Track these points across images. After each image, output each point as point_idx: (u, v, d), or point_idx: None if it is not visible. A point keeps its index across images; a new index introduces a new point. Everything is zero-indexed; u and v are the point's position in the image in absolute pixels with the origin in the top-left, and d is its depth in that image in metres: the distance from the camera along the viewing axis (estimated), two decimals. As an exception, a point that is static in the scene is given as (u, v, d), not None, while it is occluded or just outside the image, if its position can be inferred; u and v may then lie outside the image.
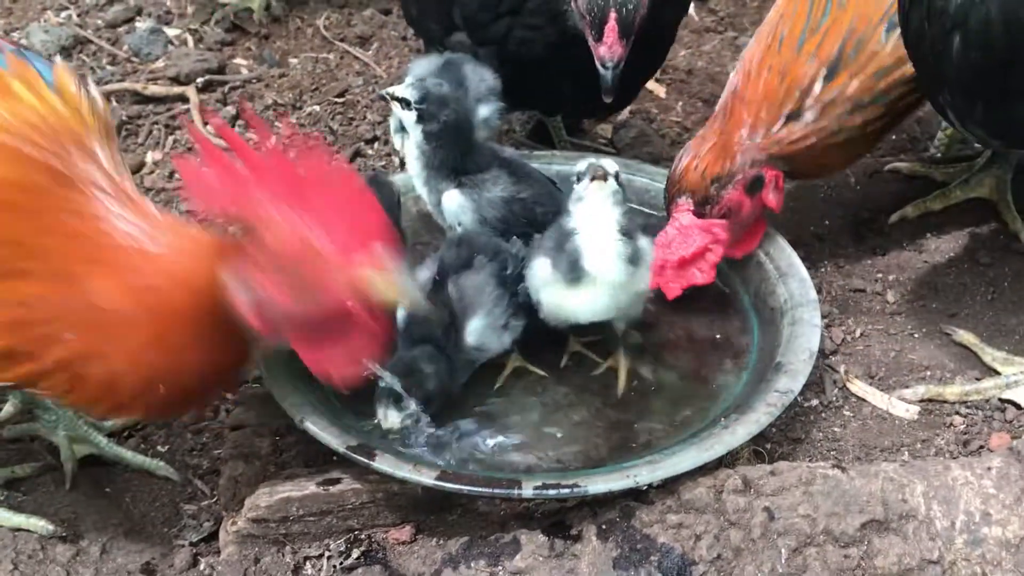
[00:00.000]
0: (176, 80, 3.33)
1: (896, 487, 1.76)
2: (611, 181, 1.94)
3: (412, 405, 1.90)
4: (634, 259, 1.97)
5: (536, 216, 2.15)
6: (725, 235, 2.18)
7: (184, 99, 3.27)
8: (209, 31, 3.62)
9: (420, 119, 2.12)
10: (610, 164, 1.97)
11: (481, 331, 1.99)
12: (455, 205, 2.12)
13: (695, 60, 3.51)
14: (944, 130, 2.88)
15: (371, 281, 1.49)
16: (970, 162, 2.63)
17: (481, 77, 2.38)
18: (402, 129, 2.30)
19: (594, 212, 1.96)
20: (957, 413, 2.10)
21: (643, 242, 2.03)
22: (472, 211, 2.13)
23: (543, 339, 2.12)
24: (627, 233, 1.96)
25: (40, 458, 2.16)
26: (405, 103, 2.11)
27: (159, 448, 2.25)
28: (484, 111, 2.38)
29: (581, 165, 1.99)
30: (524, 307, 2.04)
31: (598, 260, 1.95)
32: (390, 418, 1.91)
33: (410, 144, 2.18)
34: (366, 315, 1.53)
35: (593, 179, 1.93)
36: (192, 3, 3.80)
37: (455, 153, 2.14)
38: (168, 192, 2.96)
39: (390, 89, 2.14)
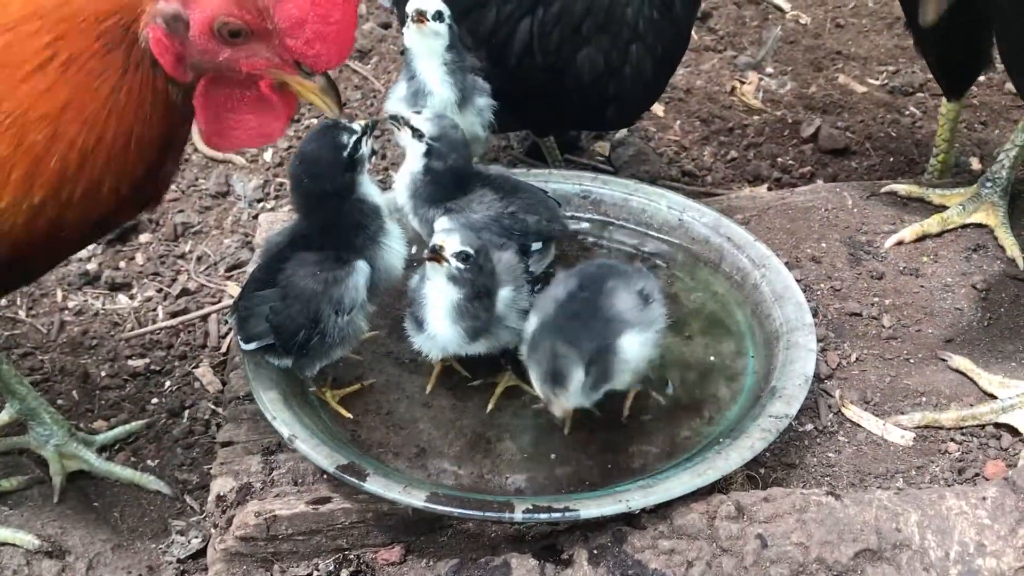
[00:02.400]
0: (174, 91, 3.33)
1: (890, 516, 1.75)
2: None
3: (469, 250, 1.89)
4: (596, 386, 1.91)
5: (529, 225, 2.14)
6: None
7: (181, 110, 3.27)
8: (208, 42, 3.62)
9: (428, 154, 2.10)
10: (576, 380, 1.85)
11: (508, 301, 1.99)
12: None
13: (693, 79, 3.51)
14: (936, 156, 2.88)
15: (300, 80, 1.59)
16: (968, 187, 2.63)
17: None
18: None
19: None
20: (952, 440, 2.09)
21: (625, 341, 1.93)
22: None
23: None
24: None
25: (28, 471, 2.15)
26: (418, 134, 2.09)
27: (149, 463, 2.24)
28: (481, 102, 2.37)
29: (542, 385, 1.87)
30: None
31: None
32: (447, 242, 1.89)
33: (402, 172, 2.16)
34: (276, 97, 1.60)
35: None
36: (192, 14, 3.80)
37: (447, 191, 2.13)
38: (163, 203, 2.95)
39: (406, 115, 2.10)
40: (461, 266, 1.90)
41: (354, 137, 1.97)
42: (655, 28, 2.43)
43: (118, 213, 1.75)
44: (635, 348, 1.94)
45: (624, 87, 2.48)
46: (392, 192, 2.23)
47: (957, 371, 2.22)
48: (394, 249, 2.06)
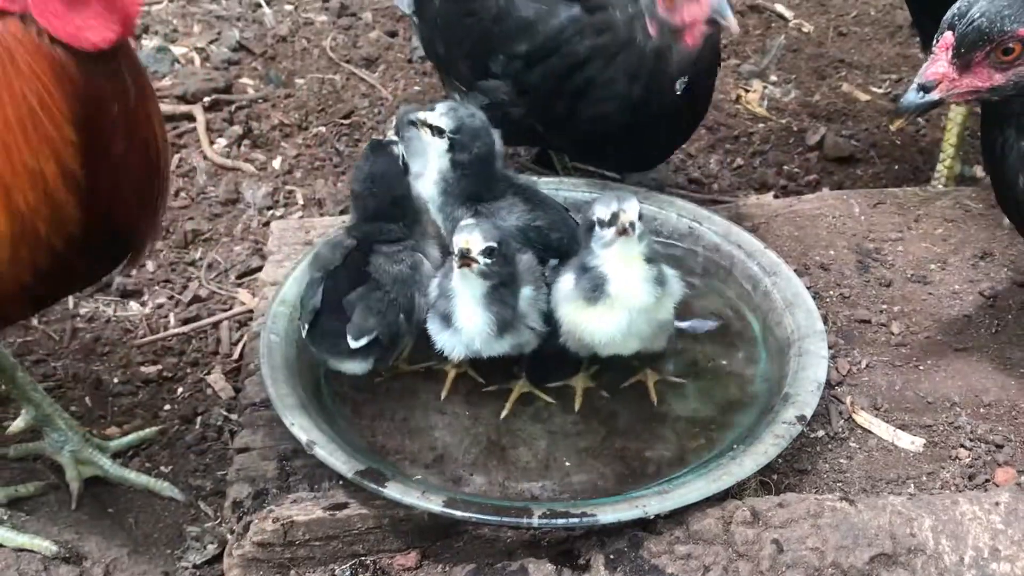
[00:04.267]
0: (183, 99, 3.34)
1: (904, 521, 1.77)
2: (637, 228, 1.92)
3: (493, 244, 1.94)
4: (660, 280, 1.98)
5: (551, 242, 2.17)
6: None
7: (191, 118, 3.29)
8: (215, 50, 3.64)
9: (452, 148, 2.14)
10: (633, 206, 1.93)
11: (529, 300, 2.03)
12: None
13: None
14: (943, 161, 2.90)
15: None
16: None
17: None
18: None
19: (620, 255, 1.95)
20: (962, 446, 2.11)
21: (668, 270, 2.03)
22: None
23: (551, 367, 2.13)
24: (651, 260, 1.97)
25: (44, 478, 2.16)
26: (438, 131, 2.13)
27: (162, 468, 2.25)
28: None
29: (602, 211, 1.94)
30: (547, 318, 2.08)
31: (621, 283, 1.96)
32: (472, 242, 1.93)
33: (430, 170, 2.18)
34: None
35: (620, 234, 1.91)
36: (199, 22, 3.81)
37: (478, 183, 2.17)
38: (173, 210, 2.96)
39: (421, 115, 2.14)
40: (489, 261, 1.93)
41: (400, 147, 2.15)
42: (685, 126, 2.52)
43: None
44: (672, 280, 2.03)
45: (642, 160, 2.59)
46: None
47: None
48: (434, 242, 2.21)
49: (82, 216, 1.62)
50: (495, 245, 1.94)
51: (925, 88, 1.91)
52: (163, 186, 1.79)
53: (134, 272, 2.76)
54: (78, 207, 1.61)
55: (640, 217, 1.94)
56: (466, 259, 1.92)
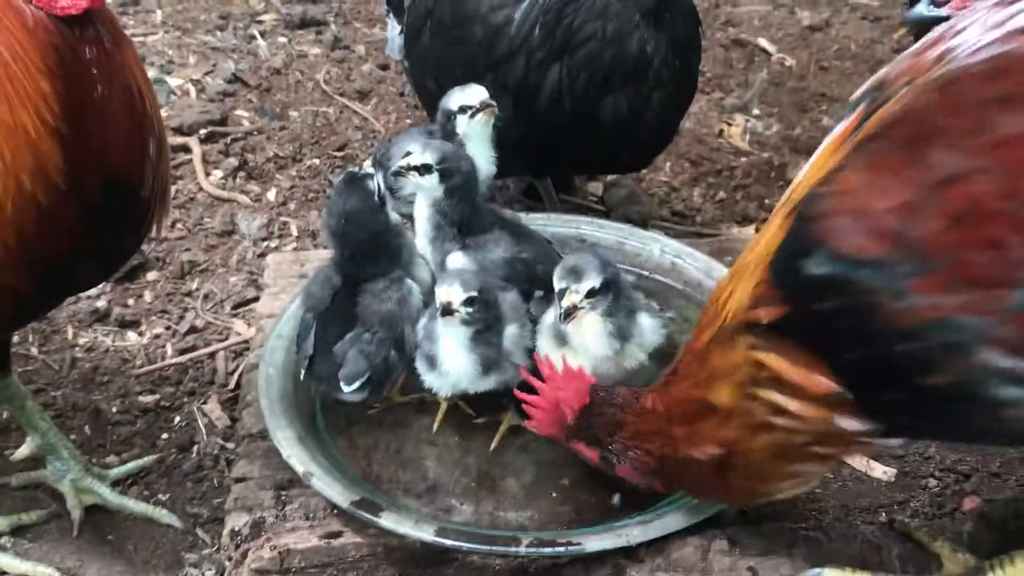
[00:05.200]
0: (179, 131, 3.42)
1: (873, 549, 1.86)
2: (584, 307, 1.97)
3: (474, 294, 2.00)
4: (622, 335, 2.04)
5: (537, 274, 2.25)
6: None
7: (187, 149, 3.36)
8: (211, 82, 3.72)
9: (443, 178, 2.20)
10: (584, 286, 1.96)
11: (513, 338, 2.10)
12: (460, 267, 2.21)
13: (682, 121, 3.62)
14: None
15: None
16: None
17: None
18: None
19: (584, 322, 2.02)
20: (932, 475, 2.19)
21: (645, 319, 2.09)
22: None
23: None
24: (611, 314, 2.02)
25: (45, 506, 2.23)
26: (426, 169, 2.19)
27: (160, 496, 2.31)
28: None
29: (558, 282, 1.98)
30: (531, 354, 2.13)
31: (579, 338, 2.03)
32: (452, 295, 1.99)
33: (420, 206, 2.26)
34: None
35: (566, 318, 1.96)
36: (194, 53, 3.90)
37: (469, 206, 2.23)
38: (170, 241, 3.04)
39: (403, 162, 2.20)
40: (471, 310, 2.00)
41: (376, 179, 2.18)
42: (675, 76, 2.57)
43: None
44: (647, 329, 2.08)
45: (644, 132, 2.62)
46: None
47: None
48: (423, 264, 2.27)
49: (67, 167, 1.62)
50: (475, 295, 2.00)
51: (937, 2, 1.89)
52: (158, 136, 1.79)
53: (132, 303, 2.84)
54: (62, 157, 1.61)
55: (604, 285, 1.98)
56: (448, 311, 2.00)
